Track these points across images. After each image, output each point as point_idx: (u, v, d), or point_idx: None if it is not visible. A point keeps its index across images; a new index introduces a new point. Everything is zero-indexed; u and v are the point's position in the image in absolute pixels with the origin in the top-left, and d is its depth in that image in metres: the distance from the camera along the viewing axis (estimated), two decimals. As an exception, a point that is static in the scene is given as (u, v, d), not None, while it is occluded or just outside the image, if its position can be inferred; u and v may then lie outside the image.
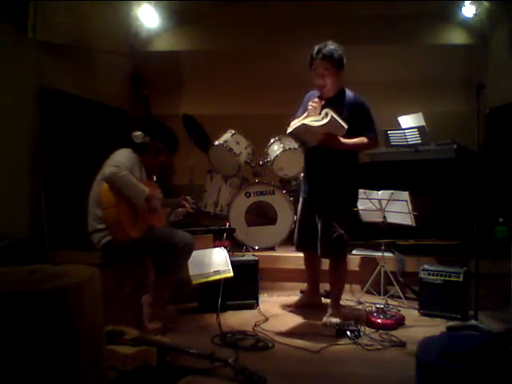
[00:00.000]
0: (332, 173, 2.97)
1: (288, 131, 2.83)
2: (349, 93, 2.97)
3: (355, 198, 3.13)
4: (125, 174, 2.65)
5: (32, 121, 3.81)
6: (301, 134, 2.83)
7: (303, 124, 2.71)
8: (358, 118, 2.86)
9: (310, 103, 2.87)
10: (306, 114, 2.87)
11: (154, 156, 2.99)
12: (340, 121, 2.71)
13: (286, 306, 3.40)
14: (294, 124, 2.82)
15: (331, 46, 2.88)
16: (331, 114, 2.65)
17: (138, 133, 2.89)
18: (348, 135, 2.83)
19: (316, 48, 2.89)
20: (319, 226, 3.02)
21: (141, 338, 2.22)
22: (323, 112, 2.68)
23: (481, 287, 2.86)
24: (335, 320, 2.96)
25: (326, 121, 2.64)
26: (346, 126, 2.74)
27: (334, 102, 2.90)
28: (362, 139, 2.88)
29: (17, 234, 3.36)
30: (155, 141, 2.94)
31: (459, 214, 3.78)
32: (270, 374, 2.08)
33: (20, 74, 3.66)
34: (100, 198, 2.68)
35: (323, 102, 2.88)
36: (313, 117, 2.76)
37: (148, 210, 2.80)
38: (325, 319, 3.00)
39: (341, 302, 3.17)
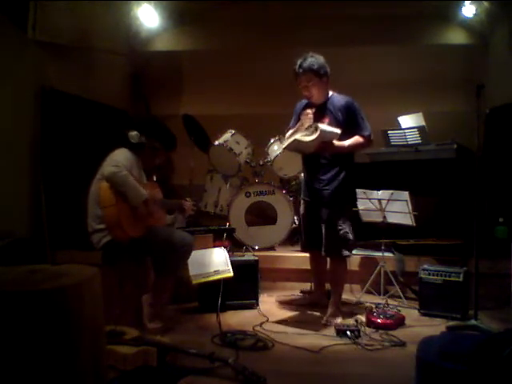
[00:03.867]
0: (329, 171, 3.02)
1: (283, 146, 3.02)
2: (337, 96, 3.07)
3: (353, 196, 3.15)
4: (124, 175, 2.64)
5: (32, 121, 3.80)
6: (296, 147, 2.98)
7: (295, 140, 2.86)
8: (351, 118, 2.96)
9: (302, 116, 2.98)
10: (299, 124, 2.97)
11: (151, 155, 2.97)
12: (331, 129, 2.84)
13: (286, 306, 3.41)
14: (287, 138, 2.99)
15: (310, 58, 2.98)
16: (320, 128, 2.75)
17: (134, 133, 2.86)
18: (345, 135, 2.93)
19: (297, 63, 2.99)
20: (323, 225, 3.04)
21: (141, 338, 2.22)
22: (313, 126, 2.79)
23: (481, 287, 2.87)
24: (335, 320, 2.96)
25: (315, 136, 2.76)
26: (338, 131, 2.86)
27: (324, 107, 3.03)
28: (357, 139, 2.97)
29: (17, 233, 3.36)
30: (151, 140, 2.92)
31: (459, 213, 3.78)
32: (270, 374, 2.08)
33: (20, 74, 3.66)
34: (100, 197, 2.68)
35: (314, 110, 2.98)
36: (303, 131, 2.88)
37: (146, 213, 2.79)
38: (325, 319, 3.01)
39: (341, 302, 3.17)
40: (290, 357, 2.47)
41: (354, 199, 3.18)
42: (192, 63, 5.53)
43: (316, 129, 2.75)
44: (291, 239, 4.21)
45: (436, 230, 3.86)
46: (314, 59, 2.97)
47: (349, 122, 2.96)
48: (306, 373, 2.29)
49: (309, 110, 2.97)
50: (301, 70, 2.97)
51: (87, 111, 4.31)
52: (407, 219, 3.38)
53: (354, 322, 2.78)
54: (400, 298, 3.41)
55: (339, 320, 2.97)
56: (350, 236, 3.03)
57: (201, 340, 2.63)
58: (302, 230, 3.31)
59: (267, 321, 3.03)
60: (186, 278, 3.08)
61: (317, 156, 3.02)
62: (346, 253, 3.05)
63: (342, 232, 2.99)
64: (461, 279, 3.07)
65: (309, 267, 3.45)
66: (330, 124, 2.94)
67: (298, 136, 2.85)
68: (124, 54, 5.29)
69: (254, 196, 4.15)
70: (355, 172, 3.11)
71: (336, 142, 2.91)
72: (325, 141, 2.86)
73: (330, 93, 3.08)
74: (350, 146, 2.96)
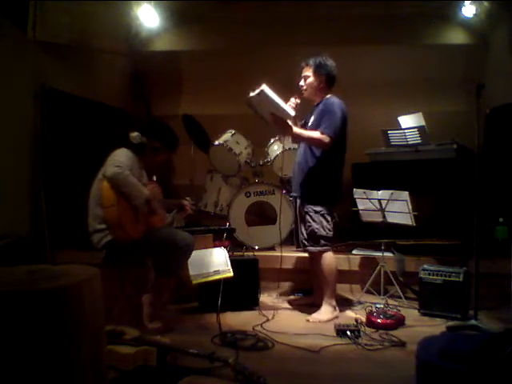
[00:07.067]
0: (311, 168, 3.10)
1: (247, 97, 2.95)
2: (330, 99, 3.11)
3: (332, 196, 3.15)
4: (127, 175, 2.64)
5: (32, 120, 3.80)
6: (253, 104, 2.92)
7: (249, 95, 2.85)
8: (320, 114, 3.04)
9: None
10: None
11: (152, 156, 2.96)
12: (277, 101, 2.83)
13: (286, 306, 3.41)
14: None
15: (320, 57, 3.10)
16: (264, 88, 2.77)
17: (135, 133, 2.86)
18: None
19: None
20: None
21: (141, 338, 2.22)
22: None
23: (481, 287, 2.86)
24: (322, 317, 3.01)
25: (256, 92, 2.78)
26: (291, 114, 2.91)
27: (316, 108, 3.16)
28: (314, 132, 2.99)
29: (17, 233, 3.37)
30: (152, 141, 2.91)
31: (459, 213, 3.78)
32: (270, 374, 2.07)
33: (20, 74, 3.66)
34: (101, 196, 2.68)
35: (298, 100, 3.11)
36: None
37: (148, 212, 2.79)
38: (313, 316, 3.05)
39: (341, 302, 3.18)
40: (290, 357, 2.47)
41: (333, 199, 3.17)
42: (192, 63, 5.52)
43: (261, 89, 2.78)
44: (291, 239, 4.21)
45: (436, 230, 3.86)
46: (321, 59, 3.10)
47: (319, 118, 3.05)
48: (306, 373, 2.29)
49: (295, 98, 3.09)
50: (304, 62, 3.15)
51: (87, 111, 4.31)
52: (407, 219, 3.38)
53: (354, 322, 2.78)
54: (400, 297, 3.41)
55: (326, 317, 3.00)
56: (322, 232, 3.07)
57: (201, 340, 2.63)
58: (295, 228, 3.40)
59: (267, 321, 3.04)
60: (185, 278, 3.08)
61: (302, 154, 3.15)
62: (317, 247, 3.09)
63: (310, 228, 3.08)
64: (461, 279, 3.07)
65: (308, 267, 3.45)
66: (312, 123, 3.08)
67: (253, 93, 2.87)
68: (124, 53, 5.30)
69: (254, 196, 4.15)
70: (357, 173, 3.11)
71: (295, 128, 2.98)
72: (276, 115, 2.89)
73: (328, 96, 3.13)
74: (304, 135, 3.02)
